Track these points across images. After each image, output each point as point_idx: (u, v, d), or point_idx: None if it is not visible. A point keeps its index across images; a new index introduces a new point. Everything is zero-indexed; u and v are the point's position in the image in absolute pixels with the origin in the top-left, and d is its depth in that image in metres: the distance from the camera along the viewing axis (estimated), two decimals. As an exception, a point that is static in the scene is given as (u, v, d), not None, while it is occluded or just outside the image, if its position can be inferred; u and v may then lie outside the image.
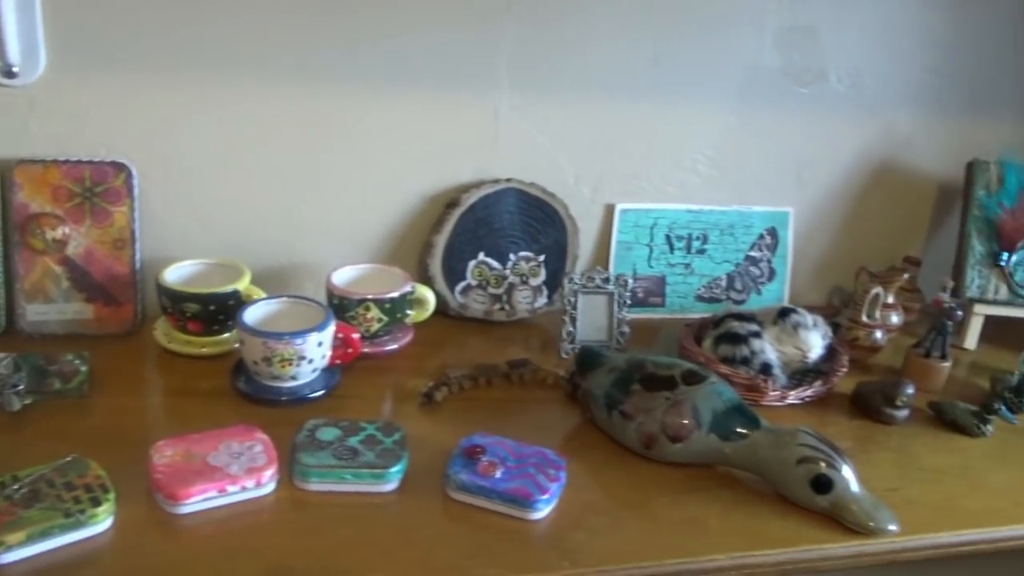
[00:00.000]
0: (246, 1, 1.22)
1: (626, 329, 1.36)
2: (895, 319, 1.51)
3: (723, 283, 1.54)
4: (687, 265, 1.52)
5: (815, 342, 1.30)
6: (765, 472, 1.05)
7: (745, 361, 1.27)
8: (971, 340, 1.52)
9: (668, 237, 1.51)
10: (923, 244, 1.67)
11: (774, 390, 1.26)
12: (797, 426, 1.06)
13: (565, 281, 1.34)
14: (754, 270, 1.55)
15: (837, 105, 1.52)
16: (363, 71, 1.29)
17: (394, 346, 1.29)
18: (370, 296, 1.24)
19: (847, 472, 1.02)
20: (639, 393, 1.11)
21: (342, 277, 1.29)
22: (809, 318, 1.31)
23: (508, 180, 1.40)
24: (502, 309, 1.43)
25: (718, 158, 1.50)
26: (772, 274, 1.56)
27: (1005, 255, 1.47)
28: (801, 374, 1.32)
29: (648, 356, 1.16)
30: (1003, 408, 1.23)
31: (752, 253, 1.55)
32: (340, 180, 1.35)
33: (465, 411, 1.18)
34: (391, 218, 1.39)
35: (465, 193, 1.38)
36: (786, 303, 1.57)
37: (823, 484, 1.01)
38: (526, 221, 1.42)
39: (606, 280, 1.35)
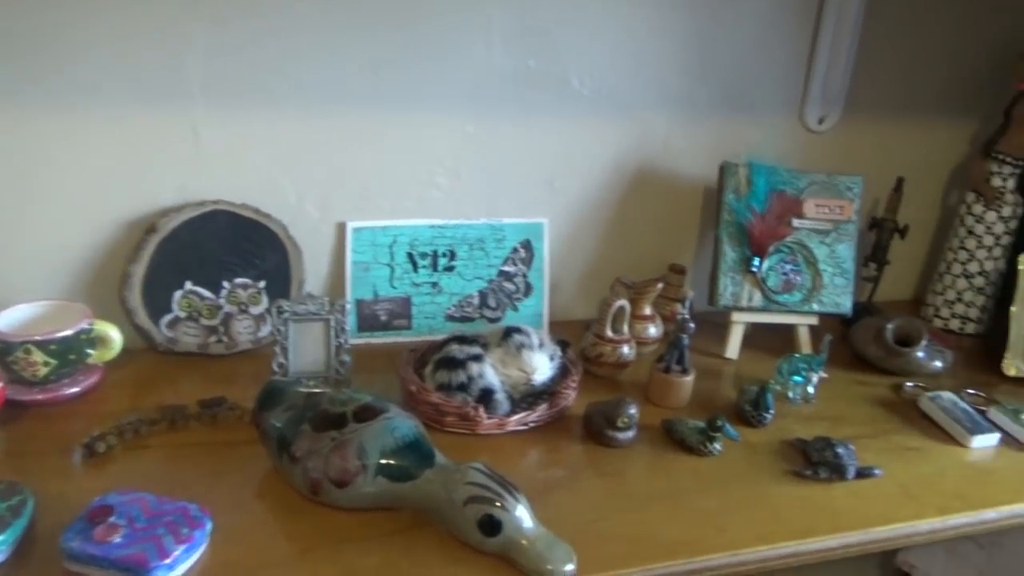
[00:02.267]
0: None
1: (347, 358, 1.26)
2: (653, 331, 1.45)
3: (475, 301, 1.46)
4: (434, 284, 1.43)
5: (540, 363, 1.22)
6: (438, 514, 0.97)
7: (463, 387, 1.18)
8: (732, 349, 1.46)
9: (410, 255, 1.42)
10: (693, 251, 1.61)
11: (490, 418, 1.17)
12: (471, 463, 0.97)
13: (273, 309, 1.23)
14: (509, 286, 1.47)
15: (584, 109, 1.44)
16: (35, 89, 1.17)
17: (75, 389, 1.17)
18: (33, 338, 1.12)
19: (521, 511, 0.94)
20: (307, 434, 1.01)
21: (9, 318, 1.16)
22: (535, 338, 1.24)
23: (215, 202, 1.28)
24: (219, 341, 1.31)
25: (459, 169, 1.42)
26: (529, 289, 1.48)
27: (757, 260, 1.41)
28: (534, 397, 1.24)
29: (331, 392, 1.07)
30: (725, 425, 1.16)
31: (506, 268, 1.46)
32: (18, 211, 1.22)
33: (136, 462, 1.07)
34: (82, 249, 1.27)
35: (164, 218, 1.26)
36: (546, 319, 1.49)
37: (491, 525, 0.92)
38: (241, 245, 1.31)
39: (322, 306, 1.25)
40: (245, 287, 1.32)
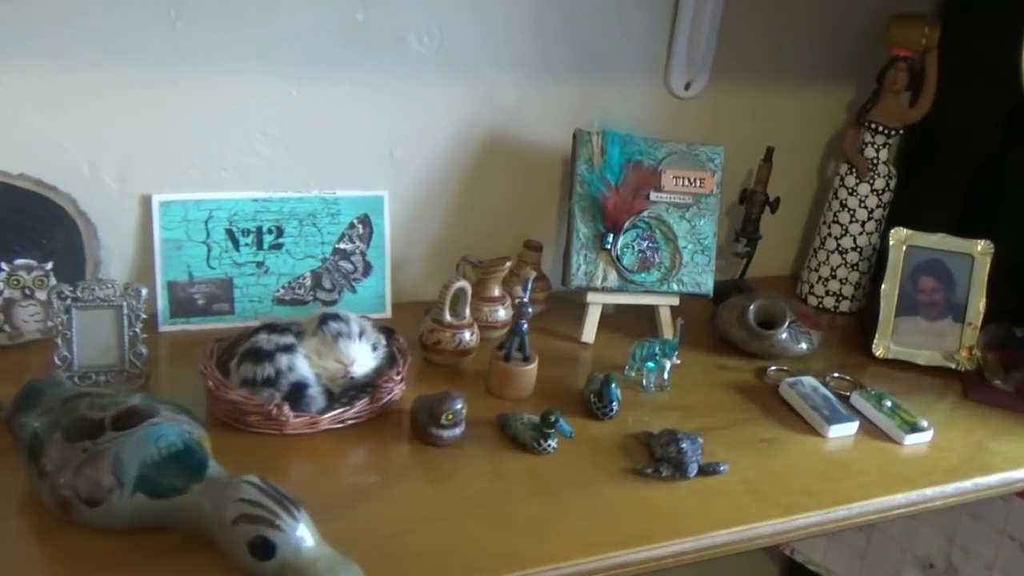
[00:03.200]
0: None
1: (142, 350, 1.12)
2: (503, 314, 1.33)
3: (307, 282, 1.32)
4: (260, 263, 1.29)
5: (360, 354, 1.10)
6: (208, 535, 0.83)
7: (270, 382, 1.05)
8: (588, 333, 1.36)
9: (230, 232, 1.27)
10: (554, 226, 1.49)
11: (298, 416, 1.04)
12: (244, 476, 0.84)
13: (53, 296, 1.07)
14: (346, 265, 1.34)
15: (425, 71, 1.31)
16: None
17: None
18: None
19: (301, 530, 0.81)
20: (58, 443, 0.86)
21: None
22: (355, 326, 1.11)
23: (-13, 172, 1.12)
24: (1, 331, 1.15)
25: (284, 136, 1.27)
26: (368, 268, 1.35)
27: (611, 237, 1.31)
28: (357, 391, 1.11)
29: (96, 392, 0.92)
30: (559, 420, 1.05)
31: (342, 245, 1.33)
32: None
33: None
34: None
35: (-80, 190, 1.09)
36: (389, 300, 1.37)
37: (264, 548, 0.80)
38: (21, 222, 1.14)
39: (112, 290, 1.10)
40: (28, 269, 1.15)
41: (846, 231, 1.55)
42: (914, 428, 1.20)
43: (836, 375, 1.34)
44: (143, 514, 0.84)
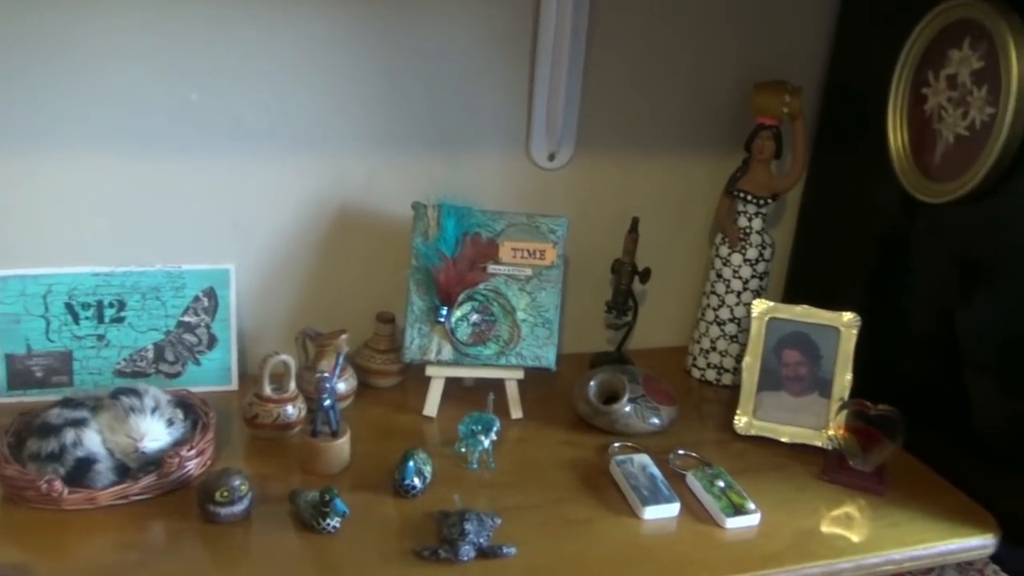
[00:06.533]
0: None
1: (-52, 423, 1.13)
2: (343, 387, 1.32)
3: (150, 354, 1.33)
4: (101, 337, 1.31)
5: (152, 429, 1.10)
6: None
7: (54, 457, 1.06)
8: (431, 406, 1.34)
9: (69, 305, 1.29)
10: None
11: (74, 492, 1.04)
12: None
13: None
14: (190, 338, 1.35)
15: (266, 147, 1.33)
16: None
17: None
18: None
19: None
20: None
21: None
22: (148, 400, 1.11)
23: None
24: None
25: (124, 211, 1.30)
26: (213, 341, 1.36)
27: (444, 310, 1.29)
28: (155, 466, 1.11)
29: None
30: (335, 499, 1.03)
31: (186, 318, 1.34)
32: None
33: None
34: None
35: None
36: (235, 372, 1.37)
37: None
38: None
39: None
40: None
41: (723, 302, 1.51)
42: (739, 511, 1.14)
43: (682, 452, 1.29)
44: None
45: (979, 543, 1.17)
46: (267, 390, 1.22)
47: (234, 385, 1.37)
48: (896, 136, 1.35)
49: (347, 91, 1.34)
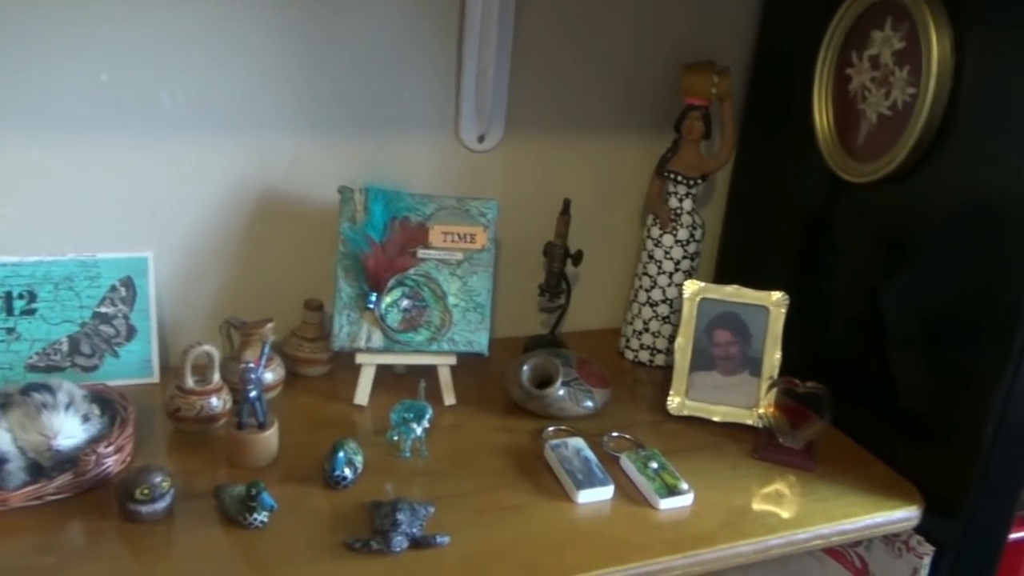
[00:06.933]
0: None
1: None
2: (271, 376, 1.28)
3: (64, 347, 1.27)
4: (11, 330, 1.25)
5: (66, 426, 1.05)
6: None
7: (-39, 457, 1.00)
8: (362, 395, 1.31)
9: (-25, 298, 1.23)
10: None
11: (-20, 494, 0.99)
12: None
13: None
14: (107, 329, 1.29)
15: (185, 130, 1.28)
16: None
17: None
18: None
19: None
20: None
21: None
22: (62, 396, 1.06)
23: None
24: None
25: (31, 198, 1.24)
26: (132, 332, 1.30)
27: (373, 296, 1.26)
28: (72, 464, 1.06)
29: None
30: (262, 493, 1.00)
31: (102, 309, 1.29)
32: None
33: None
34: None
35: None
36: (156, 364, 1.32)
37: None
38: None
39: None
40: None
41: (655, 283, 1.51)
42: (672, 491, 1.14)
43: (616, 435, 1.29)
44: None
45: (904, 515, 1.20)
46: (189, 382, 1.18)
47: (156, 378, 1.32)
48: (822, 116, 1.36)
49: (270, 72, 1.30)
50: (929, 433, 1.23)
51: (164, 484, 1.01)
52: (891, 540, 1.26)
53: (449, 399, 1.33)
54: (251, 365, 1.12)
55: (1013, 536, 1.24)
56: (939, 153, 1.18)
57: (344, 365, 1.37)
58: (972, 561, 1.22)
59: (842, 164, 1.33)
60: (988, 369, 1.13)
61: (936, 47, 1.14)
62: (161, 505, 1.01)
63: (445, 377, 1.33)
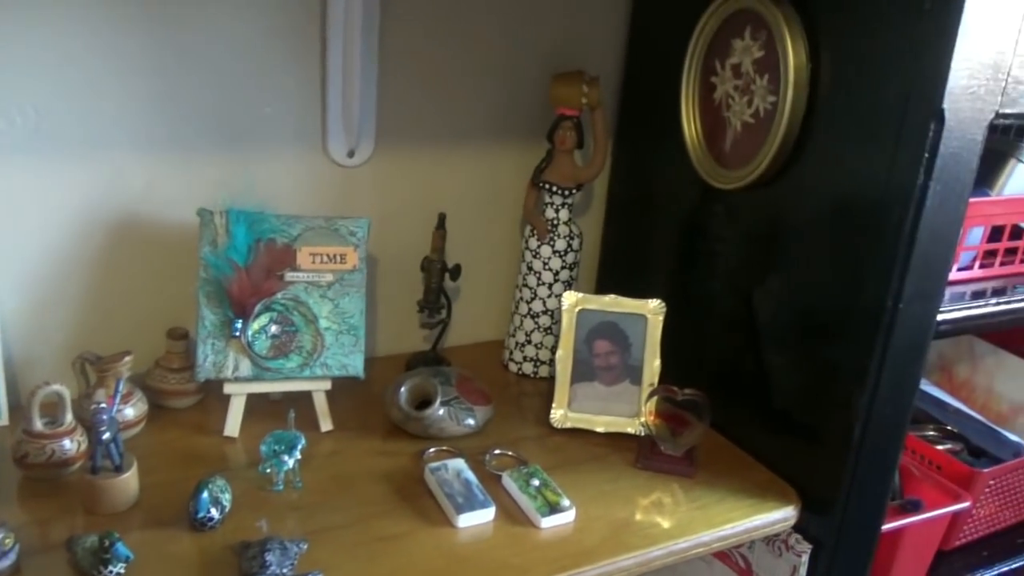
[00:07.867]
0: None
1: None
2: (132, 412, 1.21)
3: (-103, 395, 1.17)
4: None
5: None
6: None
7: None
8: (232, 427, 1.25)
9: None
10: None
11: None
12: None
13: None
14: (-53, 371, 1.19)
15: (25, 154, 1.20)
16: None
17: None
18: None
19: None
20: None
21: None
22: None
23: None
24: None
25: None
26: (-24, 372, 1.21)
27: (239, 323, 1.21)
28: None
29: None
30: (116, 544, 0.93)
31: (-60, 350, 1.19)
32: None
33: None
34: None
35: None
36: (3, 406, 1.23)
37: None
38: None
39: None
40: None
41: (535, 294, 1.50)
42: (554, 509, 1.13)
43: (498, 452, 1.27)
44: None
45: (782, 515, 1.22)
46: (37, 425, 1.10)
47: (4, 420, 1.23)
48: (690, 125, 1.37)
49: (115, 91, 1.22)
50: (803, 432, 1.25)
51: (7, 541, 0.93)
52: (771, 540, 1.28)
53: (326, 425, 1.28)
54: (103, 405, 1.05)
55: (886, 527, 1.28)
56: (800, 158, 1.21)
57: (215, 395, 1.30)
58: (848, 555, 1.25)
59: (711, 171, 1.35)
60: (853, 367, 1.16)
61: (792, 55, 1.17)
62: (4, 564, 0.94)
63: (320, 403, 1.28)
